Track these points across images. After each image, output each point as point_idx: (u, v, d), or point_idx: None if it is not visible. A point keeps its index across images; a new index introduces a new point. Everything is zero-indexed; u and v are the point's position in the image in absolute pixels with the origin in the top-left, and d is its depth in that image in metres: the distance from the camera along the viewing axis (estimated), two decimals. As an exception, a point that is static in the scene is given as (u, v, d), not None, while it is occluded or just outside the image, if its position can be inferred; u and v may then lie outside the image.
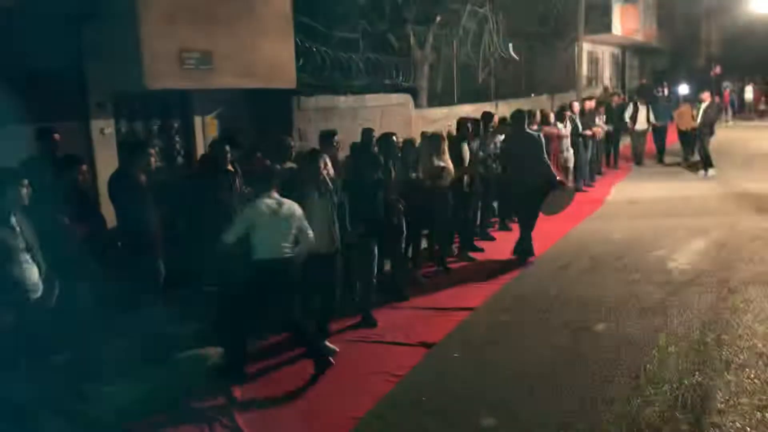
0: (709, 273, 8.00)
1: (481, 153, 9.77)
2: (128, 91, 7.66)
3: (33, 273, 4.72)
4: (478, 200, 9.72)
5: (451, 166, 8.46)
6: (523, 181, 8.87)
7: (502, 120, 11.27)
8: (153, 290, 5.94)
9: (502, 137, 10.24)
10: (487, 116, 10.76)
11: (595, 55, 26.56)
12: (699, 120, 15.63)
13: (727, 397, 4.98)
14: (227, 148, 6.74)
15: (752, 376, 5.30)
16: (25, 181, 4.70)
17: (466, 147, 9.19)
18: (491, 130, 10.53)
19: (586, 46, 22.29)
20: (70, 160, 5.45)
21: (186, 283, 6.57)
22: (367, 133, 8.68)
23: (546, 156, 9.13)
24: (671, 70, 33.64)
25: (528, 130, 9.36)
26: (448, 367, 5.82)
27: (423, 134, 9.34)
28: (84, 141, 7.50)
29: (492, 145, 10.24)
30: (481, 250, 9.53)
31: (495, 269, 8.63)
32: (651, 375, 5.42)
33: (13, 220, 4.66)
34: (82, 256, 5.25)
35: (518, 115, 9.43)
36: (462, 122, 9.72)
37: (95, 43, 7.40)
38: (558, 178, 9.37)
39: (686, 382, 5.25)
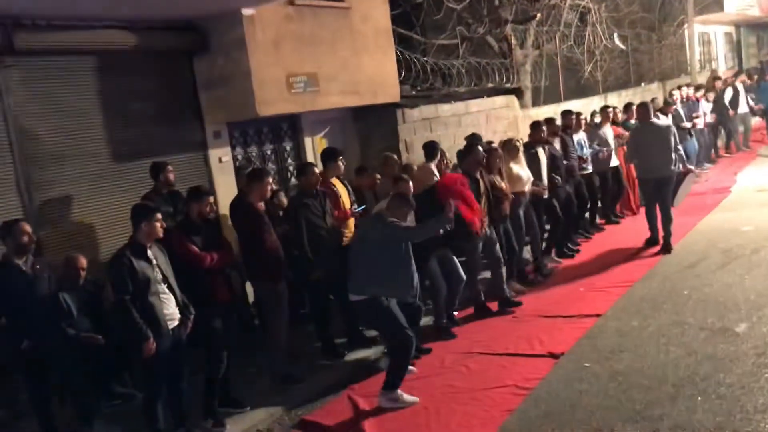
0: None
1: (566, 157, 9.41)
2: (241, 118, 7.93)
3: (170, 303, 4.95)
4: (565, 206, 9.25)
5: (527, 173, 8.33)
6: (650, 171, 8.93)
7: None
8: (278, 313, 6.07)
9: (584, 135, 10.11)
10: (565, 115, 10.31)
11: (707, 36, 25.11)
12: None
13: None
14: (314, 169, 6.67)
15: None
16: (159, 215, 4.93)
17: (541, 152, 8.86)
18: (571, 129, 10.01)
19: (697, 28, 21.10)
20: (197, 192, 5.65)
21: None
22: (471, 138, 8.64)
23: (677, 145, 9.01)
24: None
25: (654, 120, 9.19)
26: (579, 378, 5.59)
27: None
28: (204, 169, 7.85)
29: (578, 145, 9.88)
30: (572, 255, 9.28)
31: (621, 268, 8.34)
32: (806, 379, 4.99)
33: (150, 252, 4.90)
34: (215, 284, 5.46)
35: (643, 106, 9.40)
36: (534, 125, 9.28)
37: (208, 75, 7.72)
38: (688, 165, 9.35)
39: None
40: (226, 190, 7.61)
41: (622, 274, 8.17)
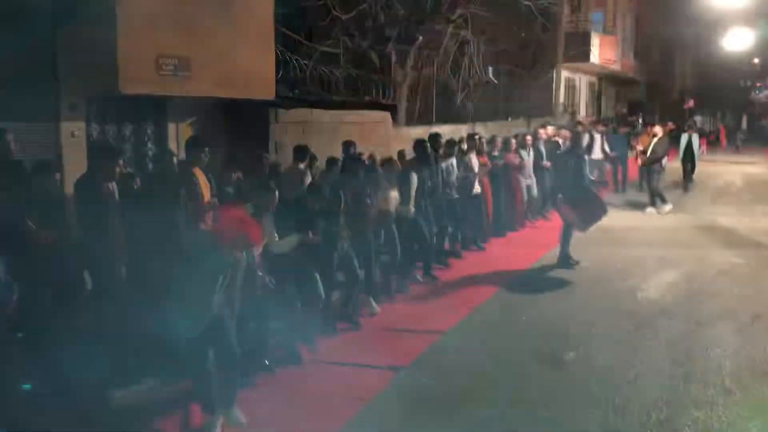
0: (678, 305, 8.03)
1: (429, 182, 9.20)
2: (102, 94, 7.50)
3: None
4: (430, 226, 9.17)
5: (396, 193, 8.26)
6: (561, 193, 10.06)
7: (450, 142, 10.46)
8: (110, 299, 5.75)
9: (452, 161, 10.04)
10: (434, 138, 10.08)
11: (573, 83, 26.88)
12: (648, 154, 15.20)
13: (694, 434, 4.96)
14: (173, 159, 6.35)
15: (719, 413, 5.28)
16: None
17: (414, 175, 8.70)
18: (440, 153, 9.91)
19: (564, 73, 22.56)
20: (42, 165, 5.28)
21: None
22: (346, 146, 8.67)
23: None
24: (646, 102, 34.25)
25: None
26: (416, 392, 5.71)
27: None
28: (53, 142, 7.34)
29: (445, 170, 9.82)
30: (434, 278, 9.27)
31: (468, 291, 8.62)
32: (619, 408, 5.37)
33: (-27, 222, 4.49)
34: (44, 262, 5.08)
35: (576, 135, 10.65)
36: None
37: (70, 43, 7.24)
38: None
39: (654, 417, 5.21)
40: (75, 166, 7.11)
41: (470, 295, 8.45)
